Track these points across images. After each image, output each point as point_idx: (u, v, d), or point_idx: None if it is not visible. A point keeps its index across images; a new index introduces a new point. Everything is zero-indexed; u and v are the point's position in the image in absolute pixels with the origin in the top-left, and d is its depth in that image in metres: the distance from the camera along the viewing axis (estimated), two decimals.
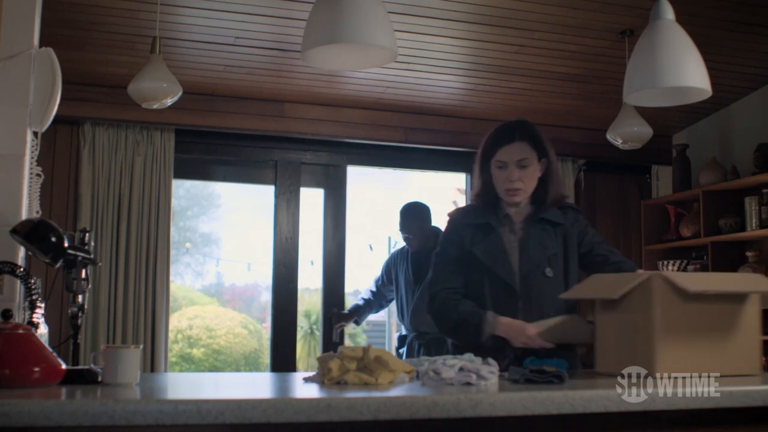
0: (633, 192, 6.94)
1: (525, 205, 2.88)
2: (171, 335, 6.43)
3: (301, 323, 9.70)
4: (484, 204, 2.90)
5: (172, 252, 5.76)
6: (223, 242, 7.31)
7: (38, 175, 2.36)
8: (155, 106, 4.23)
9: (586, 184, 6.78)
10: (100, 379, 1.99)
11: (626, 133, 5.03)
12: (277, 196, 6.17)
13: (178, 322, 9.99)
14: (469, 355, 2.23)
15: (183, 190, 6.45)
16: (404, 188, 9.62)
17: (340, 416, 1.69)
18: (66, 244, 2.03)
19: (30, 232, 2.00)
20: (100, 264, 2.13)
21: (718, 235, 5.89)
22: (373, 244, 10.42)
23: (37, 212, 2.34)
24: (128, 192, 5.64)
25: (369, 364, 1.97)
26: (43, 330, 2.15)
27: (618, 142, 5.10)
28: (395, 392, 1.86)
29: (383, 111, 6.12)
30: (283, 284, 6.13)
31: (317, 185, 6.37)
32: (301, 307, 8.96)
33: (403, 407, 1.73)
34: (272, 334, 6.14)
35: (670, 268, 6.15)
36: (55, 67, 2.28)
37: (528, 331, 2.66)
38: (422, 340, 4.87)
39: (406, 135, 6.20)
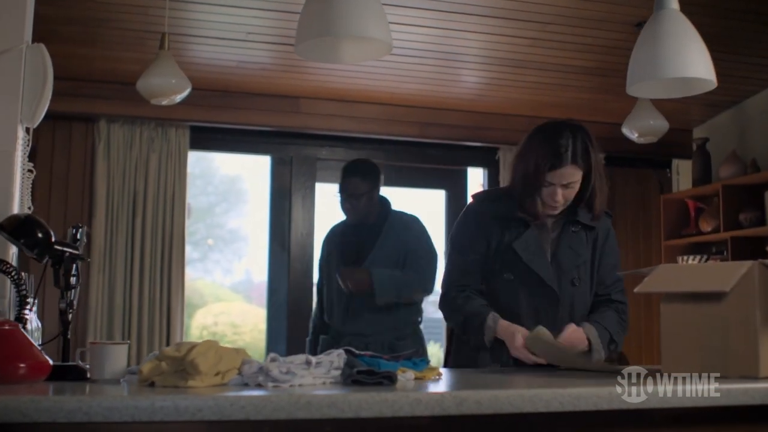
0: (653, 186, 6.86)
1: None
2: (197, 331, 6.46)
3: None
4: (523, 210, 2.75)
5: (201, 249, 5.77)
6: (250, 239, 7.33)
7: (30, 170, 2.35)
8: (164, 102, 4.22)
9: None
10: (88, 375, 1.98)
11: (642, 127, 4.96)
12: (292, 192, 6.16)
13: (203, 318, 10.07)
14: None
15: (212, 187, 6.46)
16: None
17: (321, 413, 1.66)
18: (53, 240, 2.02)
19: (16, 228, 1.99)
20: (88, 260, 2.11)
21: (738, 230, 5.80)
22: None
23: (29, 208, 2.34)
24: (143, 189, 5.65)
25: (186, 366, 1.82)
26: (34, 326, 2.14)
27: (634, 136, 5.04)
28: (377, 389, 1.82)
29: (399, 106, 6.09)
30: (299, 280, 6.13)
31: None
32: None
33: (386, 405, 1.70)
34: (287, 330, 6.13)
35: (690, 263, 6.07)
36: (47, 62, 2.27)
37: (516, 341, 2.58)
38: (362, 344, 3.64)
39: (422, 130, 6.16)
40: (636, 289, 2.29)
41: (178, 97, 4.20)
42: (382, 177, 4.19)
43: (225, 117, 5.82)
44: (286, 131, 6.05)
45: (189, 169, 5.81)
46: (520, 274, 2.71)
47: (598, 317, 2.74)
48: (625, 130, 5.05)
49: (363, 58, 2.49)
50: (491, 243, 2.76)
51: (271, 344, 6.18)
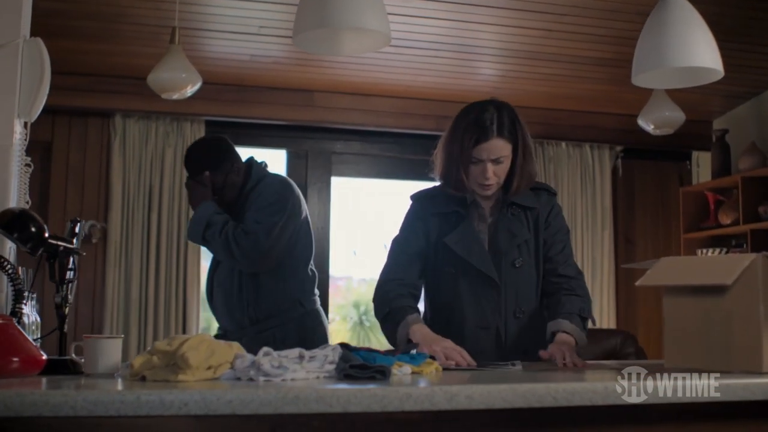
0: (673, 179, 6.79)
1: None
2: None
3: (351, 314, 9.69)
4: (453, 188, 2.72)
5: None
6: None
7: (27, 165, 2.35)
8: (175, 97, 4.23)
9: (624, 171, 6.65)
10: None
11: (658, 119, 4.91)
12: (308, 185, 6.15)
13: None
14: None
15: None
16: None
17: (309, 408, 1.64)
18: (47, 234, 2.02)
19: (9, 222, 1.99)
20: (83, 254, 2.11)
21: (758, 222, 5.72)
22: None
23: (27, 203, 2.34)
24: (159, 183, 5.67)
25: (177, 360, 1.82)
26: (31, 320, 2.15)
27: (650, 128, 4.99)
28: (367, 384, 1.80)
29: (413, 99, 6.07)
30: None
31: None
32: (351, 297, 8.95)
33: (374, 399, 1.68)
34: None
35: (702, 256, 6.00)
36: (44, 56, 2.27)
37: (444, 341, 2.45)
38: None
39: (438, 123, 6.12)
40: (638, 282, 2.26)
41: (189, 91, 4.21)
42: (222, 153, 3.50)
43: (240, 111, 5.83)
44: (301, 125, 6.06)
45: None
46: (458, 265, 2.67)
47: (558, 308, 2.63)
48: (641, 122, 5.00)
49: (361, 49, 2.47)
50: (430, 239, 2.73)
51: None
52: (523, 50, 5.31)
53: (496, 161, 2.63)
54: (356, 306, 10.24)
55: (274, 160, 6.33)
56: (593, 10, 4.76)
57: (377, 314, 2.70)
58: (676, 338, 2.21)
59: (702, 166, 6.68)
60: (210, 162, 3.44)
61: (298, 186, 6.11)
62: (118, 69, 5.44)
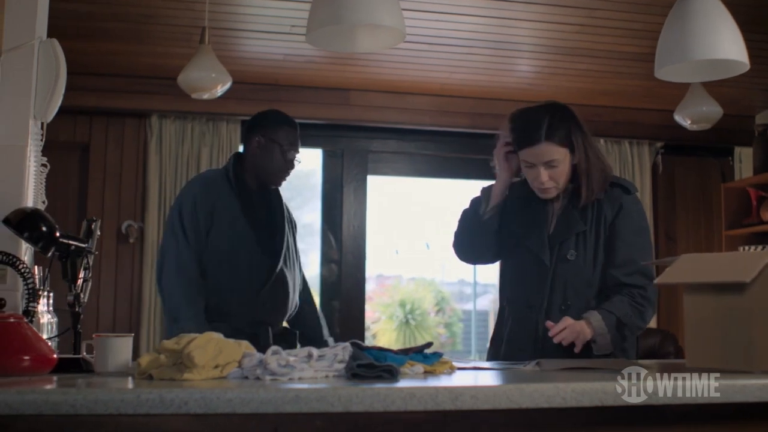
0: (715, 175, 6.67)
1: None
2: None
3: (397, 313, 9.66)
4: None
5: None
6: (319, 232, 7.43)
7: (44, 165, 2.37)
8: (205, 96, 4.24)
9: (665, 167, 6.54)
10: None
11: (694, 114, 4.82)
12: (344, 185, 6.16)
13: None
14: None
15: (286, 182, 6.61)
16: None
17: (309, 407, 1.63)
18: (58, 234, 2.03)
19: (21, 222, 2.01)
20: (96, 253, 2.11)
21: None
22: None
23: (43, 202, 2.36)
24: None
25: (183, 359, 1.81)
26: (46, 319, 2.16)
27: (686, 123, 4.89)
28: (371, 383, 1.78)
29: (449, 97, 6.04)
30: (351, 272, 6.12)
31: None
32: (398, 296, 8.94)
33: (377, 399, 1.66)
34: (340, 323, 6.13)
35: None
36: (59, 57, 2.29)
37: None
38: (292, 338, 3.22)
39: (474, 120, 6.09)
40: (656, 281, 2.21)
41: (219, 91, 4.22)
42: None
43: None
44: (336, 124, 6.06)
45: None
46: (521, 248, 2.74)
47: (605, 304, 2.59)
48: (678, 118, 4.91)
49: (376, 46, 2.45)
50: (511, 222, 2.78)
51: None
52: (558, 46, 5.24)
53: (549, 165, 2.60)
54: (402, 305, 10.24)
55: (311, 160, 6.36)
56: (625, 4, 4.66)
57: (459, 233, 2.86)
58: (696, 337, 2.15)
59: (744, 161, 6.55)
60: None
61: (335, 185, 6.19)
62: (154, 70, 5.49)
